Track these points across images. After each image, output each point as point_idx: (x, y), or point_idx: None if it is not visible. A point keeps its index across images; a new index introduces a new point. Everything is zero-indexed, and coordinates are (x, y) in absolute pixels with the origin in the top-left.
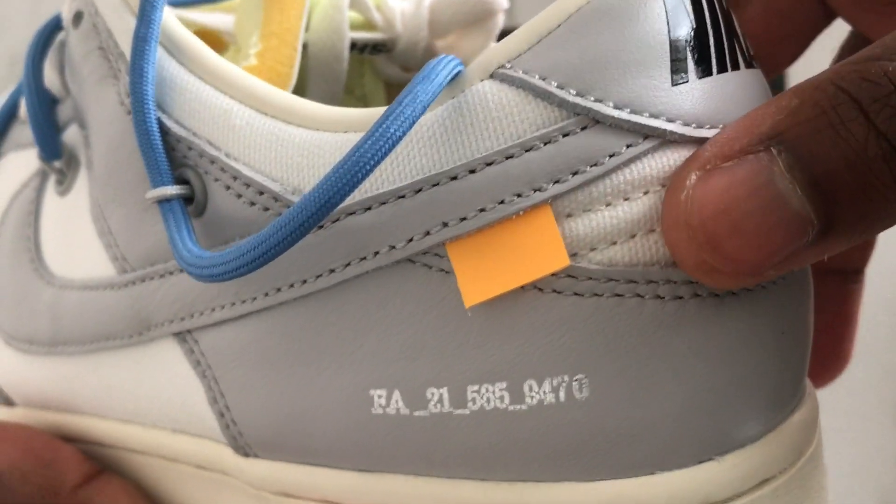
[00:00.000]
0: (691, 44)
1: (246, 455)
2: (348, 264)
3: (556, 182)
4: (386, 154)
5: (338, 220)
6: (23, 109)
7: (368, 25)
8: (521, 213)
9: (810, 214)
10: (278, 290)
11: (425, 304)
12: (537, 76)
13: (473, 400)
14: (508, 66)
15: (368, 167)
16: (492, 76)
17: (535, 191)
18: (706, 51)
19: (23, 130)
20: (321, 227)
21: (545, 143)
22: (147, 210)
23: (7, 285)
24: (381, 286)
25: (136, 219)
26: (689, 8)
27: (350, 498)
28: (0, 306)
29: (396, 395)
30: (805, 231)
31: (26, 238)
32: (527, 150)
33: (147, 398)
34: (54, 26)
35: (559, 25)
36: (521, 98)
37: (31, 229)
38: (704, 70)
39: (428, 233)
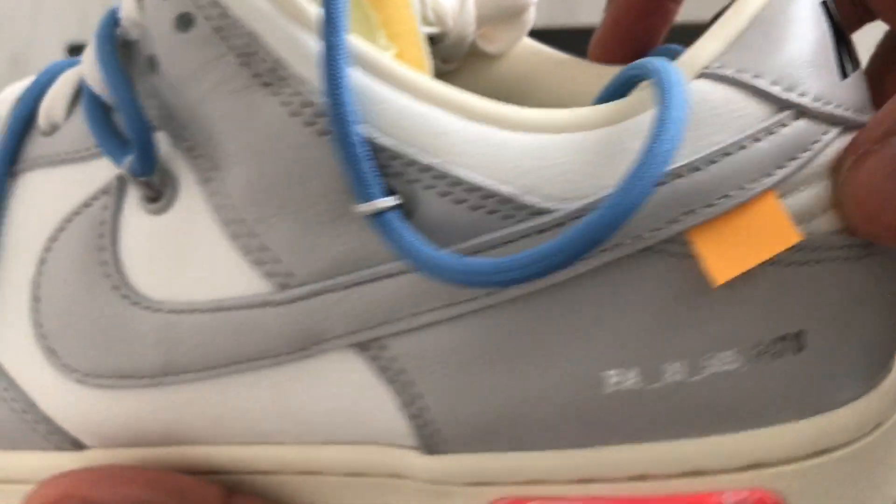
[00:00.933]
0: (837, 46)
1: (433, 453)
2: (587, 257)
3: (780, 168)
4: (667, 163)
5: (579, 217)
6: (43, 118)
7: (423, 20)
8: (753, 197)
9: None
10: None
11: (663, 287)
12: (750, 74)
13: (707, 367)
14: (717, 65)
15: (658, 173)
16: (703, 76)
17: (765, 176)
18: (844, 51)
19: (47, 144)
20: (561, 224)
21: (769, 134)
22: (325, 223)
23: (79, 319)
24: (619, 275)
25: (311, 233)
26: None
27: (561, 474)
28: (70, 343)
29: (633, 373)
30: None
31: (102, 263)
32: (756, 141)
33: (292, 414)
34: (113, 23)
35: (748, 27)
36: (740, 94)
37: (108, 253)
38: (846, 69)
39: (674, 221)
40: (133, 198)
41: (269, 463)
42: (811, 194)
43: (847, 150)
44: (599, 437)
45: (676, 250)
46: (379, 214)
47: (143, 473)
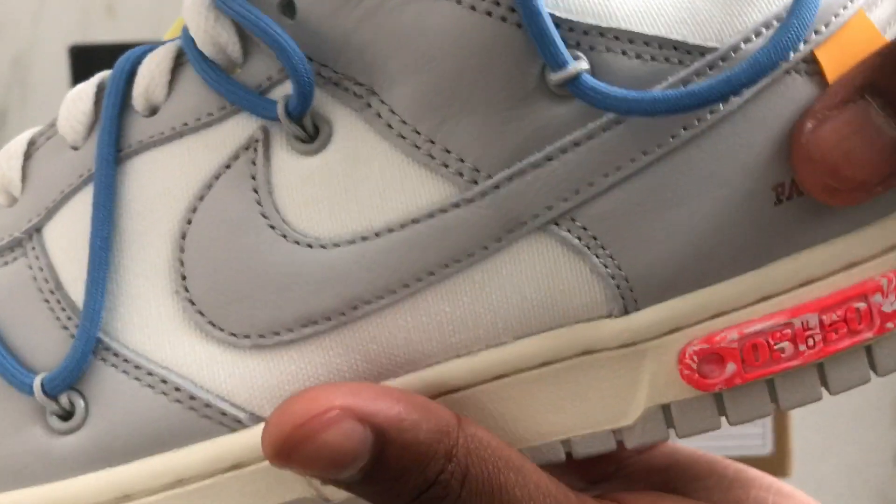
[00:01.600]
0: None
1: (626, 312)
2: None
3: None
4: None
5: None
6: (139, 102)
7: None
8: (851, 16)
9: None
10: (684, 129)
11: (798, 106)
12: None
13: None
14: None
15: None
16: None
17: None
18: None
19: (152, 124)
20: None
21: None
22: (509, 109)
23: (245, 281)
24: (766, 104)
25: (495, 122)
26: None
27: (746, 298)
28: (236, 310)
29: (793, 181)
30: None
31: (261, 217)
32: None
33: (488, 312)
34: None
35: None
36: None
37: (268, 205)
38: None
39: (806, 41)
40: (282, 145)
41: (458, 378)
42: (887, 9)
43: (805, 116)
44: (771, 254)
45: (808, 69)
46: (575, 79)
47: (392, 391)
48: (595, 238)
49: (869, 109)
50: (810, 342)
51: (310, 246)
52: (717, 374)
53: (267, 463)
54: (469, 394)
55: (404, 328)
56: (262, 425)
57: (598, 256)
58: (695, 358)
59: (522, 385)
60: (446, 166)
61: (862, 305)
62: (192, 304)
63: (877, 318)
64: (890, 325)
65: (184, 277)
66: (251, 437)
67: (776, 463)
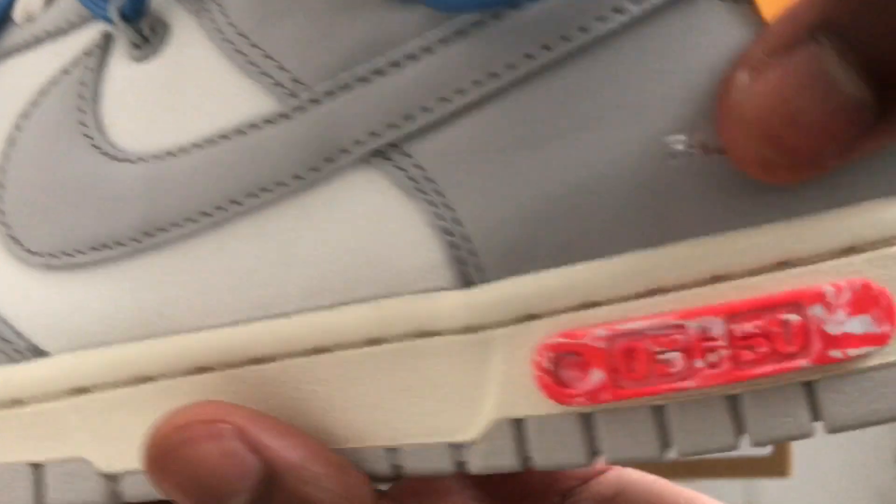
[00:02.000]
0: None
1: (469, 285)
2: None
3: None
4: None
5: None
6: (19, 15)
7: None
8: None
9: (867, 97)
10: (544, 48)
11: (713, 39)
12: None
13: None
14: None
15: None
16: None
17: None
18: None
19: (21, 32)
20: None
21: None
22: (336, 11)
23: (51, 192)
24: (667, 26)
25: (320, 26)
26: None
27: (624, 285)
28: (37, 224)
29: (698, 136)
30: (863, 115)
31: (81, 124)
32: None
33: (303, 262)
34: None
35: None
36: None
37: (88, 113)
38: None
39: None
40: (119, 51)
41: (267, 344)
42: None
43: (738, 64)
44: (663, 230)
45: None
46: None
47: (301, 435)
48: (431, 181)
49: (822, 56)
50: (712, 358)
51: (117, 159)
52: (580, 382)
53: (50, 407)
54: (278, 367)
55: (203, 269)
56: (42, 361)
57: (433, 205)
58: (549, 355)
59: (344, 366)
60: (268, 76)
61: (793, 318)
62: (3, 213)
63: (816, 341)
64: (836, 353)
65: (2, 186)
66: (30, 372)
67: (775, 463)
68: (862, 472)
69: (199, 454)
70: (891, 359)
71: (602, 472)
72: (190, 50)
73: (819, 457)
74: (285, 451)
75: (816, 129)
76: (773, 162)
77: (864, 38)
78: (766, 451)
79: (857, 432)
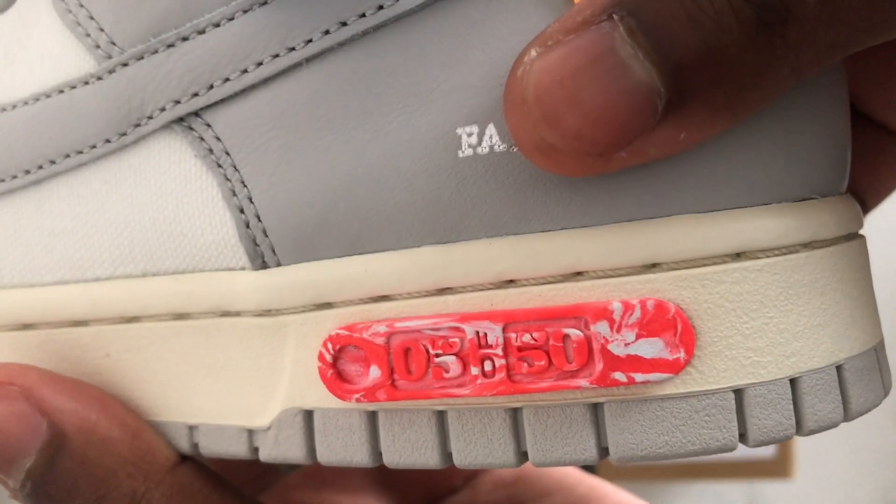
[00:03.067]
0: None
1: (264, 266)
2: None
3: None
4: None
5: None
6: None
7: None
8: None
9: (656, 82)
10: (341, 25)
11: (519, 25)
12: None
13: None
14: None
15: None
16: None
17: None
18: None
19: None
20: None
21: None
22: None
23: None
24: (470, 8)
25: None
26: None
27: (413, 281)
28: None
29: (491, 129)
30: (652, 102)
31: None
32: None
33: (113, 227)
34: None
35: None
36: None
37: None
38: None
39: None
40: None
41: (83, 306)
42: None
43: (532, 42)
44: (454, 227)
45: None
46: None
47: (102, 398)
48: (228, 153)
49: (613, 35)
50: (487, 366)
51: None
52: (361, 378)
53: None
54: (93, 331)
55: (25, 226)
56: None
57: (229, 180)
58: (330, 347)
59: (153, 337)
60: (88, 35)
61: (575, 333)
62: None
63: (598, 360)
64: (619, 376)
65: None
66: None
67: (778, 465)
68: (865, 473)
69: None
70: (686, 389)
71: None
72: (35, 7)
73: (822, 459)
74: (75, 413)
75: (599, 111)
76: (555, 148)
77: (655, 17)
78: (769, 452)
79: (861, 435)
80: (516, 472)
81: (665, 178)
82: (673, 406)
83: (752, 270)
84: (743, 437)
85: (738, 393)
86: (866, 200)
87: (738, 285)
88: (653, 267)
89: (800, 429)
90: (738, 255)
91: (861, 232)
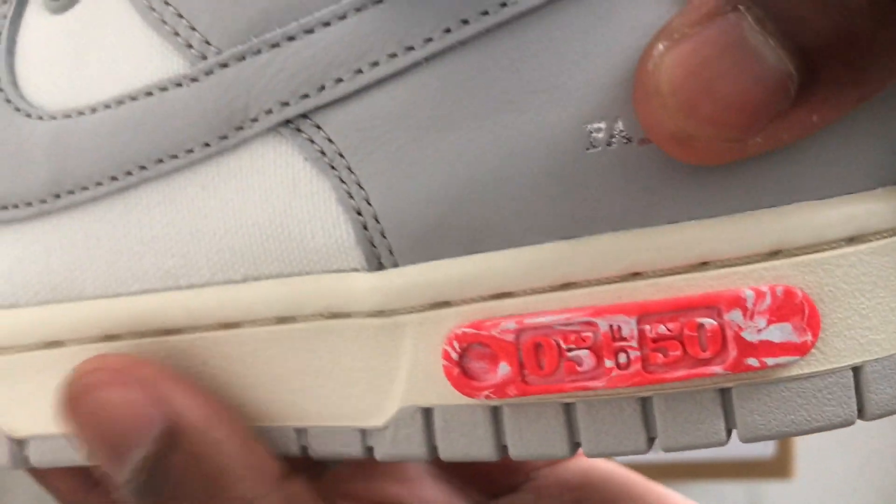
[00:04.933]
0: None
1: (380, 267)
2: None
3: None
4: None
5: None
6: None
7: None
8: None
9: (788, 66)
10: (462, 23)
11: (640, 21)
12: None
13: None
14: None
15: None
16: None
17: None
18: None
19: None
20: None
21: None
22: None
23: None
24: (593, 4)
25: None
26: None
27: (538, 277)
28: None
29: (619, 125)
30: (785, 85)
31: None
32: None
33: (212, 233)
34: None
35: None
36: None
37: (1, 65)
38: None
39: None
40: (38, 2)
41: (176, 315)
42: None
43: (657, 36)
44: (579, 222)
45: None
46: None
47: (219, 404)
48: (342, 156)
49: (742, 24)
50: (622, 358)
51: (28, 116)
52: (488, 375)
53: None
54: (187, 340)
55: (110, 234)
56: None
57: (344, 182)
58: (456, 345)
59: (254, 343)
60: (177, 35)
61: (709, 322)
62: None
63: (732, 347)
64: (752, 361)
65: None
66: None
67: (778, 465)
68: (865, 474)
69: (103, 400)
70: (811, 369)
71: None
72: (105, 3)
73: (822, 459)
74: (191, 409)
75: (734, 98)
76: (690, 136)
77: (783, 4)
78: (769, 452)
79: (861, 435)
80: (584, 477)
81: (785, 167)
82: (798, 386)
83: (866, 253)
84: (861, 412)
85: (857, 370)
86: None
87: (854, 268)
88: (776, 254)
89: None
90: (851, 240)
91: None
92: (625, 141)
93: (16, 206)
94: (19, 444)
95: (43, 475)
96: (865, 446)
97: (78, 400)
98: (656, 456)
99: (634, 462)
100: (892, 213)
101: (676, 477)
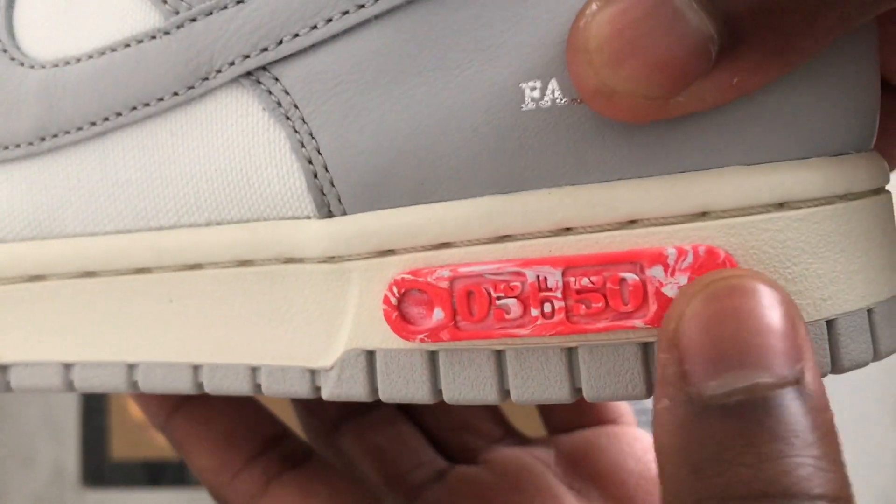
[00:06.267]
0: None
1: (330, 215)
2: None
3: None
4: None
5: None
6: None
7: None
8: None
9: (710, 29)
10: None
11: None
12: None
13: None
14: None
15: None
16: None
17: None
18: None
19: None
20: None
21: None
22: None
23: None
24: None
25: None
26: None
27: (475, 229)
28: None
29: (553, 84)
30: (706, 48)
31: None
32: None
33: (179, 178)
34: None
35: None
36: None
37: (4, 18)
38: None
39: None
40: None
41: (146, 255)
42: None
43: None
44: (515, 177)
45: None
46: None
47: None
48: (296, 106)
49: None
50: (547, 308)
51: (21, 65)
52: (424, 320)
53: None
54: (156, 278)
55: (89, 176)
56: None
57: (296, 131)
58: (395, 291)
59: (216, 284)
60: None
61: (631, 277)
62: None
63: (653, 302)
64: None
65: None
66: None
67: None
68: (864, 474)
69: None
70: None
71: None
72: None
73: None
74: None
75: (657, 56)
76: (615, 91)
77: None
78: None
79: (860, 435)
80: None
81: (715, 132)
82: None
83: (794, 220)
84: None
85: None
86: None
87: (781, 233)
88: (703, 216)
89: (834, 367)
90: (780, 205)
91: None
92: (559, 100)
93: (6, 148)
94: (2, 369)
95: (188, 450)
96: (865, 446)
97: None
98: None
99: None
100: (822, 181)
101: None
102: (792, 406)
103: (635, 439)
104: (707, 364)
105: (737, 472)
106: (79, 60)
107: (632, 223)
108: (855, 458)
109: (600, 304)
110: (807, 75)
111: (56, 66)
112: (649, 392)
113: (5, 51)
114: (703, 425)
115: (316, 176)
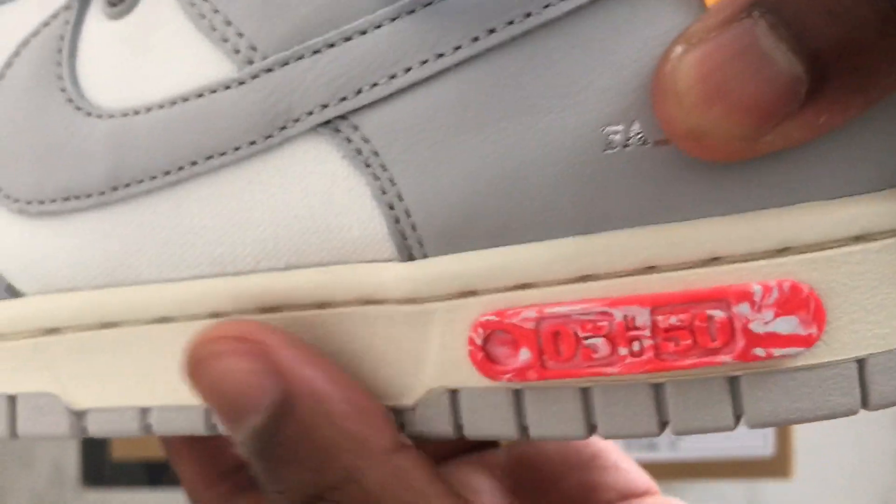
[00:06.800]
0: None
1: (411, 258)
2: None
3: None
4: None
5: None
6: None
7: None
8: None
9: (798, 70)
10: (489, 32)
11: (658, 29)
12: None
13: None
14: None
15: None
16: None
17: None
18: None
19: None
20: None
21: None
22: None
23: (26, 141)
24: (612, 14)
25: None
26: None
27: (558, 269)
28: (13, 169)
29: (636, 127)
30: (795, 89)
31: (57, 78)
32: None
33: (257, 224)
34: None
35: None
36: None
37: (64, 67)
38: None
39: None
40: (96, 6)
41: (223, 299)
42: None
43: (676, 41)
44: (598, 218)
45: None
46: None
47: (336, 372)
48: (377, 154)
49: (755, 30)
50: (636, 347)
51: (89, 114)
52: (510, 360)
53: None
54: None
55: (163, 224)
56: (17, 300)
57: (378, 178)
58: (480, 332)
59: (296, 327)
60: (226, 40)
61: (719, 314)
62: None
63: (740, 338)
64: (759, 351)
65: None
66: (6, 311)
67: (777, 464)
68: (864, 474)
69: (223, 368)
70: (816, 360)
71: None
72: (159, 11)
73: (821, 459)
74: (307, 380)
75: (747, 98)
76: (704, 133)
77: (794, 12)
78: (768, 452)
79: (861, 435)
80: None
81: (795, 168)
82: (804, 376)
83: (871, 252)
84: (865, 402)
85: (861, 362)
86: None
87: (860, 265)
88: (784, 251)
89: None
90: (857, 238)
91: None
92: (641, 142)
93: (77, 198)
94: (78, 415)
95: (176, 455)
96: (865, 446)
97: (200, 367)
98: (657, 455)
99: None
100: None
101: (676, 476)
102: None
103: None
104: None
105: None
106: (149, 110)
107: (715, 260)
108: (857, 459)
109: (688, 342)
110: (881, 108)
111: (125, 115)
112: (736, 423)
113: (71, 100)
114: None
115: (398, 221)
